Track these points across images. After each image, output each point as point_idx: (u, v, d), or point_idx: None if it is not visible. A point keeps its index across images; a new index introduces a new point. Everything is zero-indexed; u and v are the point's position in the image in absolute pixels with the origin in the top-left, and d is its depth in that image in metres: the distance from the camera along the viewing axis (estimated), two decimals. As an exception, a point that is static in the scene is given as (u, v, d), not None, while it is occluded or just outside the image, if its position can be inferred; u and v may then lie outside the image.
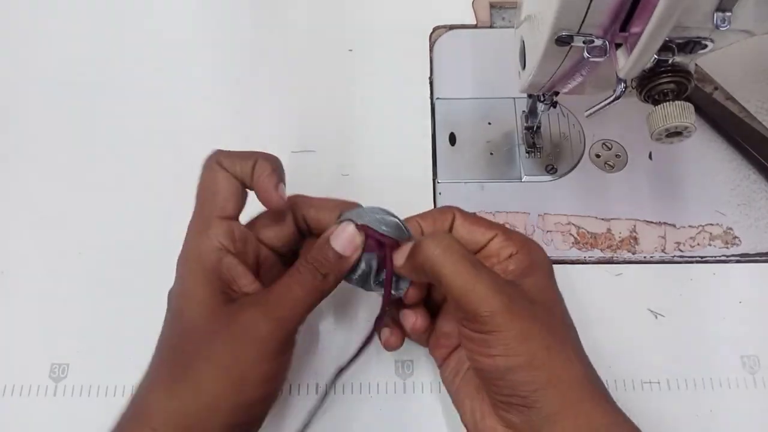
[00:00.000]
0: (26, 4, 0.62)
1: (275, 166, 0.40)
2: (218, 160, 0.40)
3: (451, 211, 0.42)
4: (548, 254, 0.49)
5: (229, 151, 0.41)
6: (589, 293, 0.49)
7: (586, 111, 0.40)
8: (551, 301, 0.39)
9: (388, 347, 0.43)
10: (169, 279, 0.48)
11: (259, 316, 0.36)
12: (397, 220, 0.40)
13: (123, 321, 0.48)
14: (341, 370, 0.43)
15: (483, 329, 0.35)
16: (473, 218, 0.41)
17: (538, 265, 0.39)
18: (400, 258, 0.39)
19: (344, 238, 0.38)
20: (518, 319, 0.35)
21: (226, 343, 0.35)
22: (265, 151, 0.41)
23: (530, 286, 0.38)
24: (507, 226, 0.47)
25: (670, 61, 0.36)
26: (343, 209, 0.41)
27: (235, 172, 0.39)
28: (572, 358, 0.36)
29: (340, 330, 0.48)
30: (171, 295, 0.39)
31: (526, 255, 0.39)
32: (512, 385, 0.35)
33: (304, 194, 0.42)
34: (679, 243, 0.50)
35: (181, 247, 0.39)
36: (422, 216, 0.42)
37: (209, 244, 0.38)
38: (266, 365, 0.36)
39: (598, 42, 0.36)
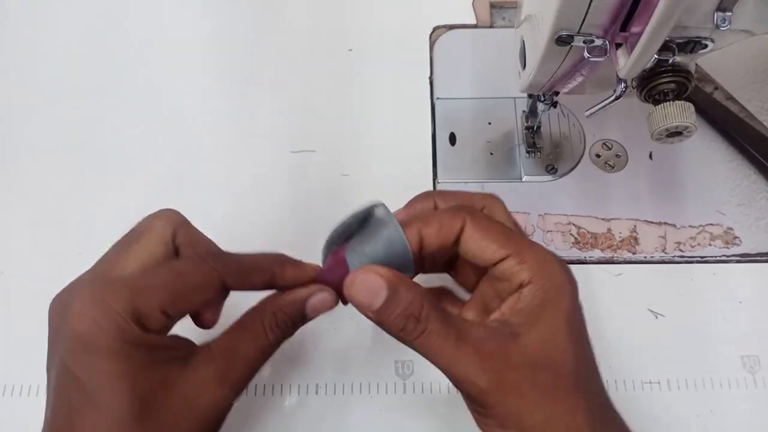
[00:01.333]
0: (26, 4, 0.62)
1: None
2: (222, 278, 0.34)
3: (461, 217, 0.34)
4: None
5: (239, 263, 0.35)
6: (589, 293, 0.48)
7: (587, 111, 0.40)
8: (561, 352, 0.32)
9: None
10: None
11: (219, 385, 0.32)
12: (404, 249, 0.34)
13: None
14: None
15: (476, 403, 0.32)
16: (486, 227, 0.34)
17: (552, 302, 0.32)
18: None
19: (319, 302, 0.35)
20: (510, 394, 0.31)
21: (178, 410, 0.31)
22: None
23: (536, 336, 0.32)
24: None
25: (670, 61, 0.36)
26: (272, 270, 0.35)
27: (233, 287, 0.34)
28: (580, 426, 0.31)
29: (339, 330, 0.48)
30: (74, 360, 0.30)
31: (540, 287, 0.32)
32: None
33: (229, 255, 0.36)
34: (679, 243, 0.50)
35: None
36: (426, 221, 0.35)
37: (141, 334, 0.31)
38: (217, 426, 0.33)
39: (598, 42, 0.36)
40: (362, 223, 0.35)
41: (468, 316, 0.36)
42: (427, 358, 0.32)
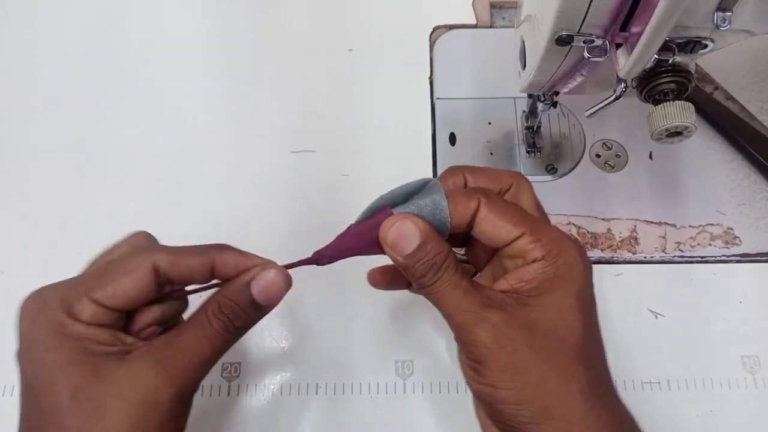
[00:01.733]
0: (26, 4, 0.62)
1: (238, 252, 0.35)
2: (154, 259, 0.33)
3: (476, 198, 0.34)
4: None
5: (172, 249, 0.35)
6: (589, 293, 0.49)
7: (587, 111, 0.40)
8: (566, 326, 0.33)
9: (372, 283, 0.40)
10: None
11: (157, 374, 0.31)
12: (445, 216, 0.35)
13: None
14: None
15: (472, 357, 0.33)
16: (501, 208, 0.34)
17: (563, 278, 0.33)
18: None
19: (269, 289, 0.34)
20: (506, 350, 0.32)
21: (118, 407, 0.30)
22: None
23: (542, 307, 0.33)
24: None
25: (670, 61, 0.36)
26: (212, 256, 0.34)
27: (169, 273, 0.33)
28: (573, 395, 0.31)
29: (339, 330, 0.48)
30: (27, 367, 0.32)
31: (552, 264, 0.33)
32: (502, 416, 0.32)
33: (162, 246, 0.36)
34: (679, 243, 0.50)
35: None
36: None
37: (73, 325, 0.31)
38: (167, 426, 0.31)
39: (598, 42, 0.36)
40: (412, 193, 0.36)
41: None
42: (437, 306, 0.34)
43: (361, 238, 0.35)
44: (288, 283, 0.35)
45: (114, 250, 0.35)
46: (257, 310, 0.34)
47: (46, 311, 0.31)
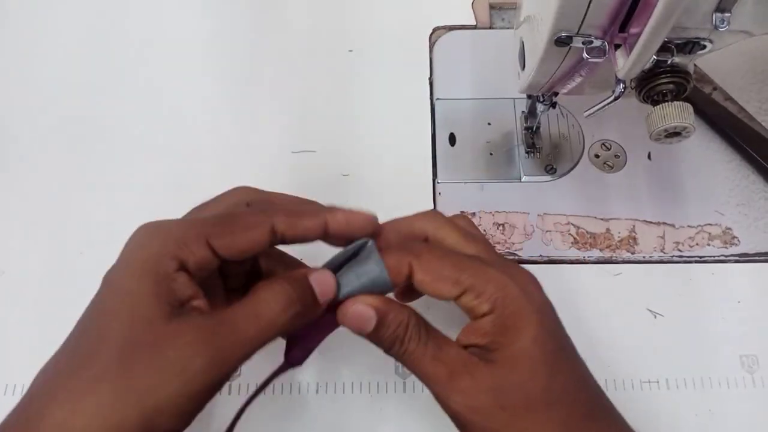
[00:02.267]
0: (26, 4, 0.62)
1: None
2: (274, 221, 0.33)
3: (407, 260, 0.34)
4: (547, 254, 0.50)
5: (290, 212, 0.35)
6: (588, 293, 0.49)
7: (586, 111, 0.41)
8: (529, 378, 0.32)
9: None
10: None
11: (197, 343, 0.30)
12: (378, 271, 0.35)
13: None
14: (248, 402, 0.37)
15: (455, 423, 0.34)
16: (436, 268, 0.34)
17: (515, 328, 0.33)
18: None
19: (323, 281, 0.34)
20: (480, 415, 0.32)
21: (149, 365, 0.29)
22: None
23: (503, 361, 0.33)
24: (485, 251, 0.37)
25: (669, 62, 0.36)
26: (324, 217, 0.35)
27: (285, 234, 0.34)
28: None
29: (339, 329, 0.48)
30: (107, 281, 0.32)
31: (499, 315, 0.33)
32: None
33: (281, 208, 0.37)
34: (678, 243, 0.51)
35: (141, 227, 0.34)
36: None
37: (170, 264, 0.31)
38: (187, 402, 0.30)
39: (597, 43, 0.36)
40: (351, 257, 0.36)
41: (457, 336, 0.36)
42: (412, 372, 0.35)
43: (320, 329, 0.37)
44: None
45: (221, 201, 0.36)
46: (315, 303, 0.34)
47: (161, 237, 0.32)
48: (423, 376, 0.34)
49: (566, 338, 0.35)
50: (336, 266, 0.36)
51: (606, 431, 0.35)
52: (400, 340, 0.34)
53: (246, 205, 0.36)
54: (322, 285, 0.34)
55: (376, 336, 0.34)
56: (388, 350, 0.35)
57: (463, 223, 0.39)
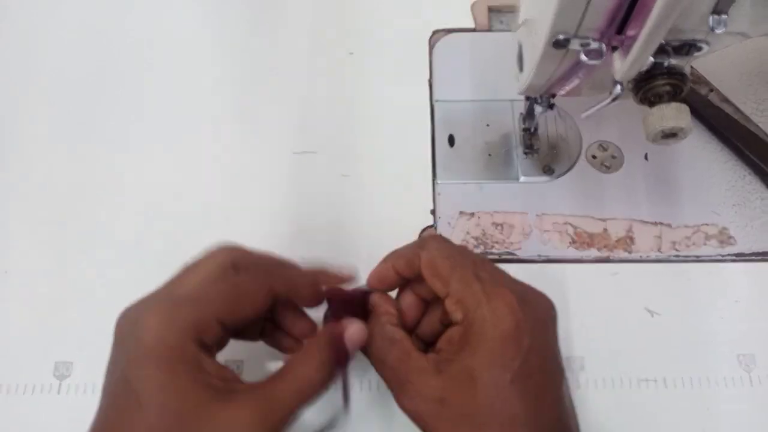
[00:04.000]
0: (27, 5, 0.63)
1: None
2: (271, 286, 0.36)
3: (417, 253, 0.37)
4: (545, 254, 0.50)
5: (286, 271, 0.38)
6: (585, 293, 0.49)
7: (583, 113, 0.41)
8: (472, 393, 0.33)
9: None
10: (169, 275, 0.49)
11: (253, 421, 0.31)
12: None
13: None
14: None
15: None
16: (437, 265, 0.36)
17: (472, 346, 0.34)
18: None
19: (354, 333, 0.36)
20: (428, 424, 0.34)
21: None
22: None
23: (452, 374, 0.34)
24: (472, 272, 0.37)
25: (665, 64, 0.36)
26: (315, 276, 0.38)
27: (280, 294, 0.36)
28: None
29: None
30: (130, 377, 0.31)
31: (466, 330, 0.34)
32: None
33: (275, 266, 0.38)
34: (674, 243, 0.51)
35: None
36: (397, 256, 0.39)
37: (194, 348, 0.32)
38: None
39: (594, 45, 0.36)
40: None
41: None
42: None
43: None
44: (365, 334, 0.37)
45: (207, 259, 0.36)
46: (345, 358, 0.36)
47: (176, 331, 0.31)
48: (383, 378, 0.36)
49: (542, 373, 0.34)
50: None
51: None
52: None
53: (233, 268, 0.36)
54: (354, 341, 0.36)
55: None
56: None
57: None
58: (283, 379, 0.33)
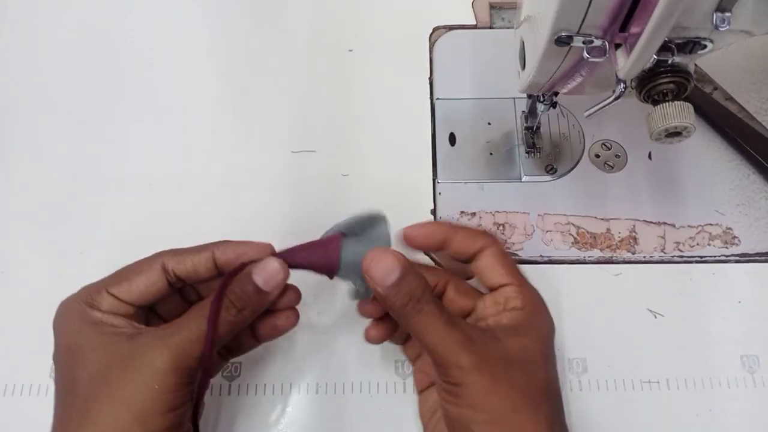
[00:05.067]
0: (27, 5, 0.62)
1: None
2: (162, 260, 0.39)
3: (484, 239, 0.40)
4: (548, 254, 0.50)
5: (178, 250, 0.40)
6: (588, 293, 0.49)
7: (586, 111, 0.41)
8: (533, 364, 0.36)
9: (368, 340, 0.42)
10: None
11: (157, 346, 0.35)
12: (383, 237, 0.40)
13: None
14: None
15: (452, 381, 0.35)
16: (503, 256, 0.40)
17: (534, 328, 0.38)
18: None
19: (267, 273, 0.37)
20: (487, 376, 0.34)
21: (124, 377, 0.34)
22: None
23: (515, 344, 0.36)
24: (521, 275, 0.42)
25: (669, 62, 0.36)
26: (212, 249, 0.40)
27: (176, 270, 0.38)
28: (541, 423, 0.35)
29: (340, 330, 0.48)
30: (56, 356, 0.37)
31: (527, 315, 0.38)
32: None
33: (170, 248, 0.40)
34: (678, 243, 0.51)
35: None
36: (455, 231, 0.41)
37: (92, 312, 0.37)
38: (169, 395, 0.34)
39: (597, 42, 0.36)
40: (362, 223, 0.40)
41: None
42: (418, 337, 0.36)
43: (312, 253, 0.40)
44: (286, 275, 0.39)
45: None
46: (257, 294, 0.37)
47: (72, 304, 0.37)
48: (433, 340, 0.35)
49: (555, 359, 0.39)
50: (348, 227, 0.40)
51: None
52: (416, 298, 0.36)
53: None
54: (266, 275, 0.38)
55: (393, 289, 0.36)
56: (402, 307, 0.36)
57: None
58: (191, 311, 0.37)
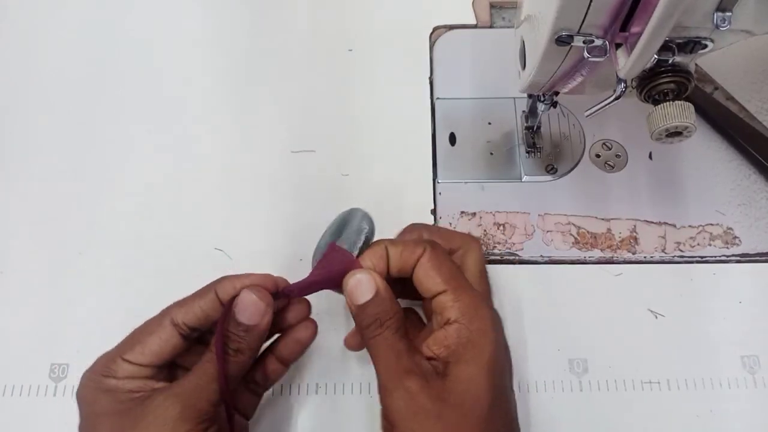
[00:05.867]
0: (27, 5, 0.62)
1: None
2: (171, 316, 0.38)
3: (423, 246, 0.39)
4: (548, 254, 0.50)
5: (182, 301, 0.39)
6: (589, 293, 0.49)
7: (586, 111, 0.40)
8: (473, 400, 0.35)
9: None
10: (168, 278, 0.49)
11: (167, 398, 0.35)
12: (361, 226, 0.41)
13: (123, 320, 0.47)
14: None
15: (386, 418, 0.36)
16: (439, 262, 0.38)
17: (476, 345, 0.36)
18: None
19: (246, 308, 0.37)
20: (417, 419, 0.34)
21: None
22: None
23: (455, 377, 0.35)
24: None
25: (670, 61, 0.36)
26: (214, 288, 0.39)
27: (186, 321, 0.38)
28: None
29: (339, 330, 0.48)
30: (80, 426, 0.38)
31: (465, 328, 0.36)
32: None
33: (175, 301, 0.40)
34: (679, 243, 0.50)
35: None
36: (393, 242, 0.40)
37: (108, 381, 0.37)
38: None
39: (598, 42, 0.36)
40: (343, 223, 0.41)
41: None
42: (372, 360, 0.37)
43: (330, 280, 0.39)
44: (267, 300, 0.38)
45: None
46: (246, 331, 0.37)
47: (89, 375, 0.37)
48: (381, 366, 0.36)
49: (507, 376, 0.39)
50: (335, 233, 0.41)
51: None
52: (380, 322, 0.37)
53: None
54: (247, 311, 0.37)
55: (362, 310, 0.37)
56: (364, 329, 0.37)
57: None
58: (196, 367, 0.37)
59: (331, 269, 0.39)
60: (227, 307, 0.37)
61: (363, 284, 0.37)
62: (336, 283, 0.39)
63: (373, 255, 0.39)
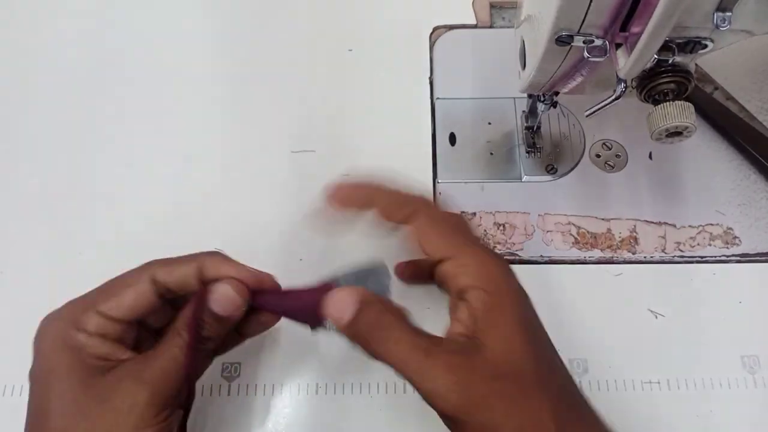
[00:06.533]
0: (27, 5, 0.62)
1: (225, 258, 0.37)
2: (152, 271, 0.36)
3: (414, 205, 0.37)
4: (548, 254, 0.50)
5: (167, 260, 0.37)
6: (589, 293, 0.49)
7: (586, 111, 0.40)
8: (521, 364, 0.32)
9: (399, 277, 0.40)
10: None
11: (134, 382, 0.33)
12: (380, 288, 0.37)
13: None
14: None
15: (448, 420, 0.32)
16: (435, 227, 0.36)
17: (502, 306, 0.33)
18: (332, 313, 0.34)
19: (222, 300, 0.36)
20: (481, 409, 0.31)
21: (103, 414, 0.33)
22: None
23: (495, 347, 0.32)
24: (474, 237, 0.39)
25: (670, 61, 0.36)
26: (201, 261, 0.37)
27: (166, 282, 0.36)
28: (546, 423, 0.31)
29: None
30: (32, 374, 0.35)
31: (485, 292, 0.33)
32: None
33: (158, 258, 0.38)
34: (679, 243, 0.50)
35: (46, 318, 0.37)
36: (380, 191, 0.38)
37: (76, 335, 0.35)
38: (150, 428, 0.33)
39: (598, 42, 0.36)
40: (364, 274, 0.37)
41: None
42: (397, 370, 0.32)
43: (299, 299, 0.37)
44: (244, 296, 0.36)
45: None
46: (218, 320, 0.36)
47: (55, 322, 0.35)
48: (415, 371, 0.32)
49: (540, 322, 0.35)
50: (344, 279, 0.37)
51: (589, 412, 0.34)
52: (380, 325, 0.33)
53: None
54: (222, 302, 0.36)
55: (353, 325, 0.33)
56: (366, 344, 0.33)
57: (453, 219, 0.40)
58: (162, 342, 0.35)
59: (311, 297, 0.36)
60: (202, 294, 0.36)
61: (341, 301, 0.34)
62: (309, 312, 0.36)
63: (356, 188, 0.38)
